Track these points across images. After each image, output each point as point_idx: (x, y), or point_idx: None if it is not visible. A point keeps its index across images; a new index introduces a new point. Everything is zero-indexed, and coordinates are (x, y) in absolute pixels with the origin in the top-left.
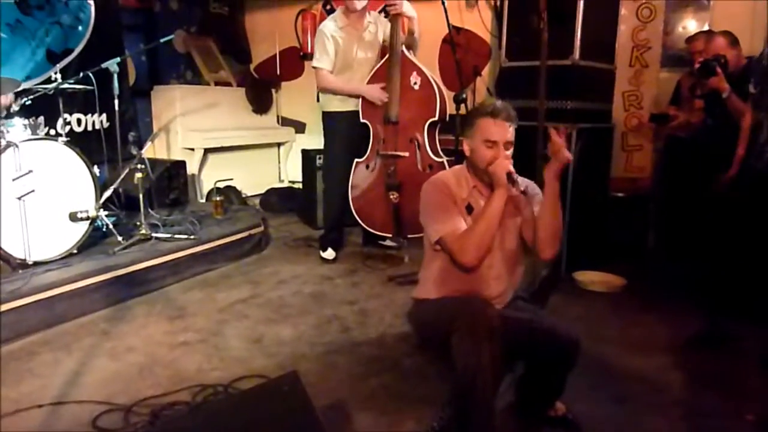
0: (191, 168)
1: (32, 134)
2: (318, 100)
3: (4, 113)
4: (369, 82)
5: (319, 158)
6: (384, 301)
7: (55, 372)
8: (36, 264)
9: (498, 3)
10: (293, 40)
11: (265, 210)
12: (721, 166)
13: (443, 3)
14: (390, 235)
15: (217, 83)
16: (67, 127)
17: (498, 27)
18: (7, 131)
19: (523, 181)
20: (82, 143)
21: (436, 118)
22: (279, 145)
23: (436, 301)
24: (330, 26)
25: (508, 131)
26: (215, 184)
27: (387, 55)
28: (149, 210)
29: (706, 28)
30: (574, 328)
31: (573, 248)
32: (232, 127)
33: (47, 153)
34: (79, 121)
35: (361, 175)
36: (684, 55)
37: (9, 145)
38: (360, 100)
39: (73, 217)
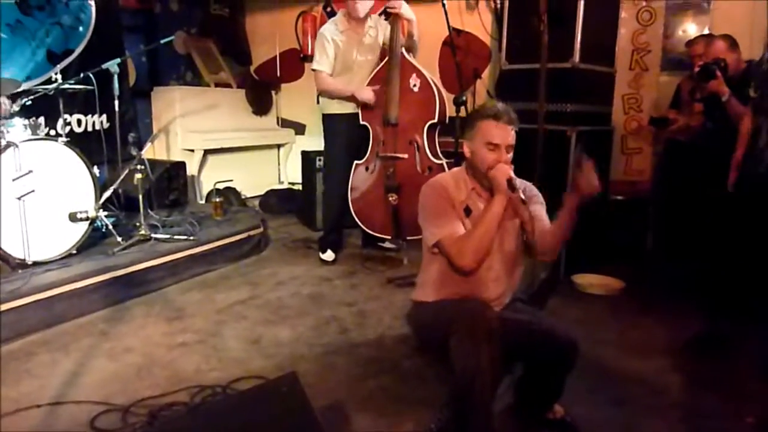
0: (191, 169)
1: (32, 134)
2: (318, 102)
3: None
4: (368, 84)
5: (319, 160)
6: (383, 302)
7: (54, 372)
8: (35, 264)
9: (498, 5)
10: (293, 41)
11: (264, 211)
12: (720, 169)
13: (443, 5)
14: (389, 237)
15: (217, 84)
16: (67, 128)
17: (498, 29)
18: (8, 131)
19: (521, 183)
20: (82, 144)
21: (436, 120)
22: (279, 146)
23: (435, 303)
24: (331, 29)
25: (510, 134)
26: (215, 185)
27: (386, 58)
28: (149, 211)
29: (706, 31)
30: (572, 330)
31: (572, 251)
32: (231, 129)
33: (47, 153)
34: (79, 122)
35: (360, 177)
36: (684, 58)
37: (9, 145)
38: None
39: (73, 218)
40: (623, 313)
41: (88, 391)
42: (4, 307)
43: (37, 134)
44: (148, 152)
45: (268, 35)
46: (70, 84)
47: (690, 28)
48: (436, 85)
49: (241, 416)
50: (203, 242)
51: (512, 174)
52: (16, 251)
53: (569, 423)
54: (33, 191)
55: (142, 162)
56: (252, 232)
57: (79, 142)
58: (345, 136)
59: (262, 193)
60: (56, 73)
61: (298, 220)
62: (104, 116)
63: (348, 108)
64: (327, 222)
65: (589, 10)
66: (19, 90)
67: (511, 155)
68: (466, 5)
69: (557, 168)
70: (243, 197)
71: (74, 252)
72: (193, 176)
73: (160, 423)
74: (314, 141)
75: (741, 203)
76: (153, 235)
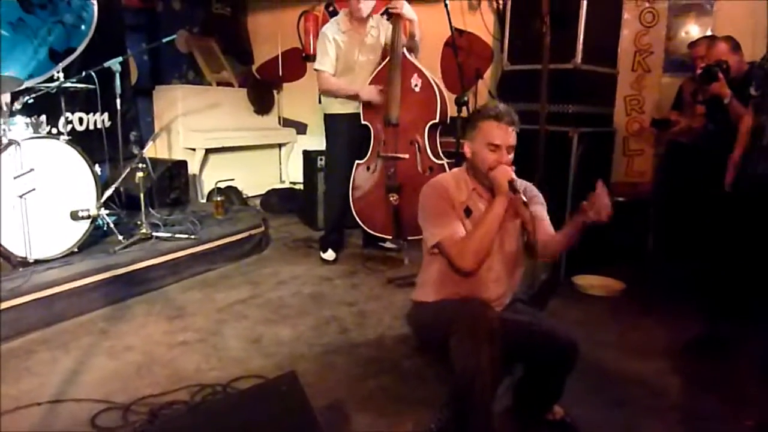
0: (192, 168)
1: (34, 133)
2: (320, 102)
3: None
4: (370, 84)
5: (320, 159)
6: (383, 302)
7: (54, 370)
8: (37, 262)
9: (500, 6)
10: (295, 41)
11: (265, 210)
12: (721, 171)
13: (446, 5)
14: (390, 237)
15: (219, 83)
16: (69, 126)
17: (500, 30)
18: (9, 129)
19: (521, 184)
20: (84, 142)
21: (437, 121)
22: (280, 146)
23: (435, 303)
24: (332, 29)
25: (511, 135)
26: (216, 184)
27: (388, 58)
28: (150, 209)
29: (708, 33)
30: (572, 331)
31: (572, 252)
32: (233, 128)
33: (49, 151)
34: (81, 120)
35: (361, 177)
36: (686, 60)
37: (11, 143)
38: (360, 101)
39: (74, 216)
40: (623, 315)
41: (88, 390)
42: (5, 305)
43: (39, 132)
44: (150, 151)
45: (270, 34)
46: (72, 82)
47: (692, 30)
48: (437, 85)
49: (240, 415)
50: (204, 241)
51: (513, 175)
52: (17, 249)
53: (569, 424)
54: (34, 189)
55: (143, 161)
56: (253, 232)
57: (81, 141)
58: (346, 136)
59: (264, 192)
60: (58, 72)
61: (299, 220)
62: (106, 115)
63: (349, 108)
64: (328, 222)
65: (591, 11)
66: (21, 88)
67: (512, 156)
68: (468, 5)
69: (559, 169)
70: (244, 196)
71: (75, 250)
72: (194, 175)
73: (161, 421)
74: (316, 140)
75: (741, 204)
76: (154, 234)
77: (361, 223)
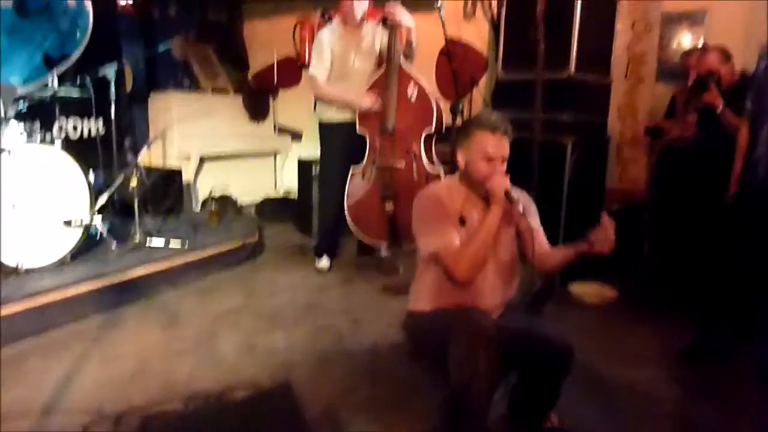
0: (187, 175)
1: (28, 139)
2: (315, 110)
3: None
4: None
5: (315, 167)
6: (378, 310)
7: (46, 378)
8: (29, 270)
9: (495, 15)
10: (291, 49)
11: (260, 218)
12: (715, 179)
13: (440, 14)
14: (385, 245)
15: (214, 90)
16: (63, 133)
17: (495, 39)
18: (2, 136)
19: (516, 193)
20: (78, 149)
21: (433, 129)
22: (275, 153)
23: (432, 312)
24: (327, 35)
25: (506, 146)
26: (210, 192)
27: (383, 65)
28: (144, 217)
29: (700, 42)
30: (568, 336)
31: None
32: (228, 135)
33: (43, 158)
34: (75, 127)
35: (356, 185)
36: (679, 69)
37: (4, 150)
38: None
39: (68, 223)
40: (618, 322)
41: (80, 398)
42: None
43: (33, 139)
44: (144, 158)
45: (265, 42)
46: (67, 89)
47: (685, 39)
48: (433, 94)
49: (234, 425)
50: (198, 249)
51: (509, 186)
52: (9, 257)
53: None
54: (27, 196)
55: (137, 168)
56: (247, 239)
57: (75, 148)
58: (341, 144)
59: (258, 200)
60: (53, 78)
61: (294, 228)
62: (100, 122)
63: (344, 116)
64: (322, 229)
65: (585, 20)
66: (16, 96)
67: (504, 166)
68: (463, 14)
69: (553, 176)
70: (239, 204)
71: (68, 258)
72: (188, 183)
73: (153, 431)
74: (311, 148)
75: (737, 213)
76: (148, 242)
77: (355, 231)
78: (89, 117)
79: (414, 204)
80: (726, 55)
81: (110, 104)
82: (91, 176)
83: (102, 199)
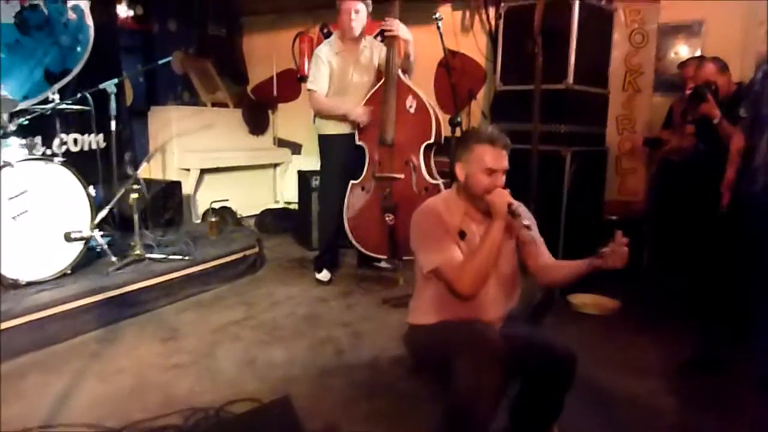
0: (187, 188)
1: (28, 154)
2: (314, 123)
3: None
4: (365, 106)
5: (315, 179)
6: (378, 323)
7: (45, 393)
8: (29, 284)
9: (493, 28)
10: (290, 62)
11: (260, 231)
12: (713, 190)
13: (438, 27)
14: (385, 257)
15: (214, 104)
16: (64, 147)
17: (493, 51)
18: (3, 151)
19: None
20: (79, 163)
21: (432, 141)
22: (275, 166)
23: (435, 326)
24: (325, 50)
25: (505, 159)
26: (210, 204)
27: (383, 79)
28: (144, 230)
29: (698, 53)
30: (571, 344)
31: None
32: (228, 148)
33: (43, 173)
34: (75, 141)
35: (356, 197)
36: (676, 80)
37: (5, 164)
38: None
39: (68, 237)
40: (618, 333)
41: (79, 413)
42: None
43: (33, 154)
44: (144, 171)
45: (265, 55)
46: (68, 104)
47: (682, 50)
48: (431, 106)
49: None
50: (198, 262)
51: (511, 199)
52: (10, 271)
53: None
54: (28, 211)
55: (137, 181)
56: (247, 252)
57: (76, 162)
58: (341, 156)
59: (258, 212)
60: (53, 93)
61: (294, 240)
62: (101, 136)
63: (344, 128)
64: (323, 242)
65: (582, 32)
66: (16, 109)
67: (504, 179)
68: (461, 27)
69: (552, 188)
70: (239, 217)
71: (68, 272)
72: (188, 195)
73: None
74: (310, 161)
75: (736, 223)
76: (148, 255)
77: (355, 244)
78: (90, 131)
79: (412, 220)
80: (723, 66)
81: (110, 118)
82: (92, 190)
83: (102, 213)
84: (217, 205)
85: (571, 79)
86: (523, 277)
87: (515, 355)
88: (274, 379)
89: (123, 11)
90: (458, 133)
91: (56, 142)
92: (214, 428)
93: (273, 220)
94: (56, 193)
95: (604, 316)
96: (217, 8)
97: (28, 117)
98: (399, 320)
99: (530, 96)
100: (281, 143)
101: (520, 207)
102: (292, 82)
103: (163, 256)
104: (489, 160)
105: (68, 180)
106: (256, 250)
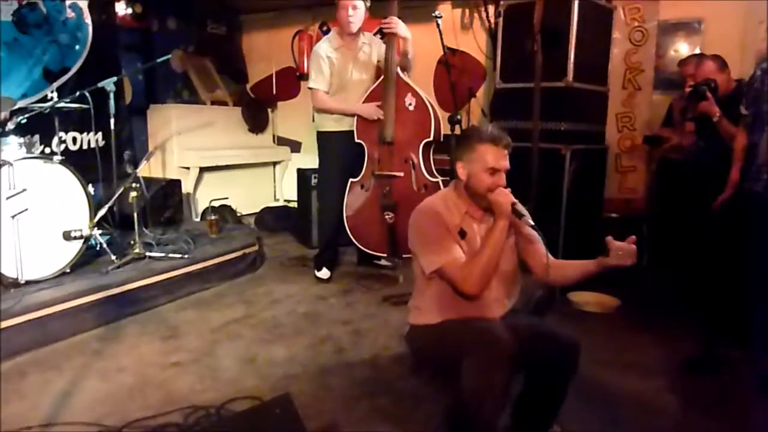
0: (186, 187)
1: (27, 153)
2: (313, 120)
3: None
4: (364, 103)
5: (315, 177)
6: (379, 321)
7: (45, 392)
8: (28, 283)
9: (493, 25)
10: (289, 60)
11: (259, 229)
12: (713, 187)
13: (438, 25)
14: (385, 255)
15: (213, 102)
16: (63, 146)
17: (492, 49)
18: (2, 149)
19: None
20: (78, 162)
21: (431, 139)
22: (274, 164)
23: (440, 325)
24: (324, 47)
25: (507, 158)
26: (210, 202)
27: (382, 76)
28: (143, 229)
29: (697, 51)
30: (574, 332)
31: None
32: (227, 146)
33: (42, 172)
34: (74, 140)
35: (356, 195)
36: (676, 78)
37: (3, 163)
38: (355, 119)
39: (67, 236)
40: (619, 332)
41: (80, 412)
42: None
43: (32, 152)
44: (144, 170)
45: (264, 53)
46: (66, 102)
47: (682, 48)
48: (431, 104)
49: None
50: (198, 260)
51: (514, 199)
52: (9, 270)
53: None
54: (27, 210)
55: (137, 180)
56: (247, 250)
57: (75, 161)
58: (340, 154)
59: (258, 210)
60: (52, 91)
61: (294, 238)
62: (100, 134)
63: (343, 126)
64: (322, 240)
65: (582, 30)
66: (15, 108)
67: (505, 178)
68: (460, 24)
69: (552, 186)
70: (238, 215)
71: (68, 270)
72: (188, 194)
73: None
74: (310, 158)
75: (737, 221)
76: (147, 254)
77: (355, 241)
78: (89, 129)
79: (411, 221)
80: (722, 64)
81: (110, 117)
82: (91, 188)
83: (101, 212)
84: (216, 204)
85: (570, 76)
86: (522, 274)
87: (520, 344)
88: (275, 377)
89: (122, 9)
90: (458, 131)
91: (55, 140)
92: (214, 426)
93: (273, 219)
94: (55, 191)
95: (605, 314)
96: (216, 6)
97: (27, 115)
98: (399, 318)
99: (530, 94)
100: (281, 141)
101: (517, 205)
102: (291, 80)
103: (163, 254)
104: (491, 160)
105: (67, 179)
106: (256, 248)
